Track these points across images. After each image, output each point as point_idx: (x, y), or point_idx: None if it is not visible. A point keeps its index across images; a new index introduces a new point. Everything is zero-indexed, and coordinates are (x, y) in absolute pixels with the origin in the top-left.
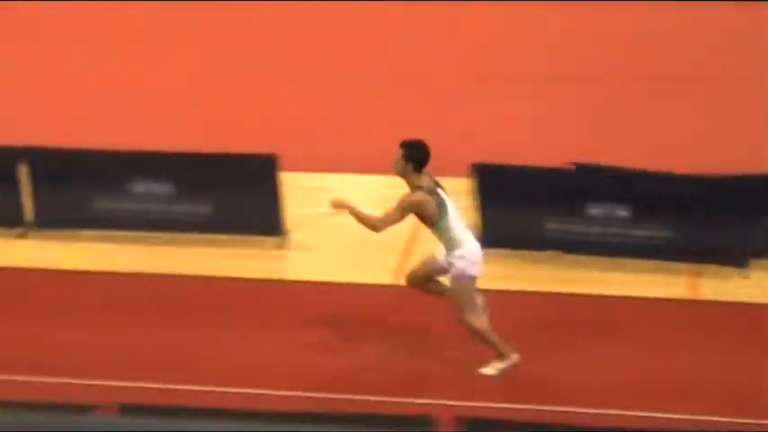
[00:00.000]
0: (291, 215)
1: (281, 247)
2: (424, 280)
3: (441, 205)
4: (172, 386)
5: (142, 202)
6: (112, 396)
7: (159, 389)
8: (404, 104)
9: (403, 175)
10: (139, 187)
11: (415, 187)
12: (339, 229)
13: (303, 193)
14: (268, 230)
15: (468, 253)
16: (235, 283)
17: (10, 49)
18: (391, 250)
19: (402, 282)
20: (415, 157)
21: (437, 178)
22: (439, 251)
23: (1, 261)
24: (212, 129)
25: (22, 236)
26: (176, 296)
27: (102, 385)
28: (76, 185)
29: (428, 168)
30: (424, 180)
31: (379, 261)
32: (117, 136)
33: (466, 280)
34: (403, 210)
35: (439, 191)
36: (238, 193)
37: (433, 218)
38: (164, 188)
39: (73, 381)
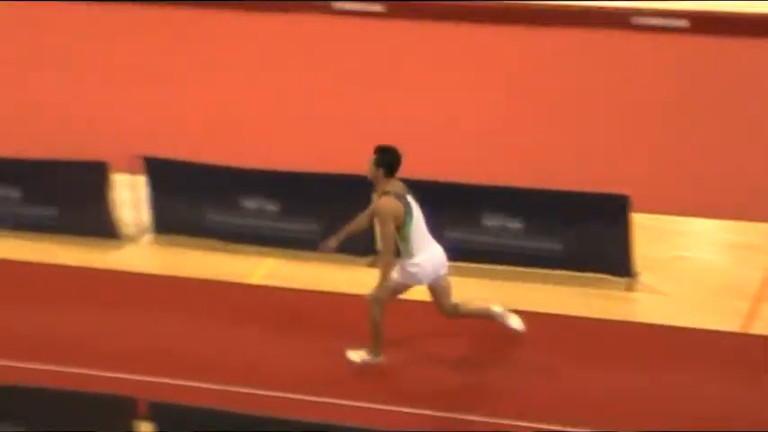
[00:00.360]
0: (642, 256)
1: (629, 288)
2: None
3: (407, 212)
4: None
5: (494, 236)
6: None
7: None
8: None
9: (374, 179)
10: (492, 221)
11: (382, 192)
12: (688, 272)
13: (654, 235)
14: (617, 271)
15: (424, 262)
16: (579, 321)
17: (141, 58)
18: (743, 296)
19: (752, 330)
20: (385, 162)
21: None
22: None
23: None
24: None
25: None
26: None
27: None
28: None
29: None
30: (394, 185)
31: (729, 307)
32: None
33: (407, 278)
34: (388, 224)
35: (407, 197)
36: (589, 232)
37: (398, 224)
38: (515, 224)
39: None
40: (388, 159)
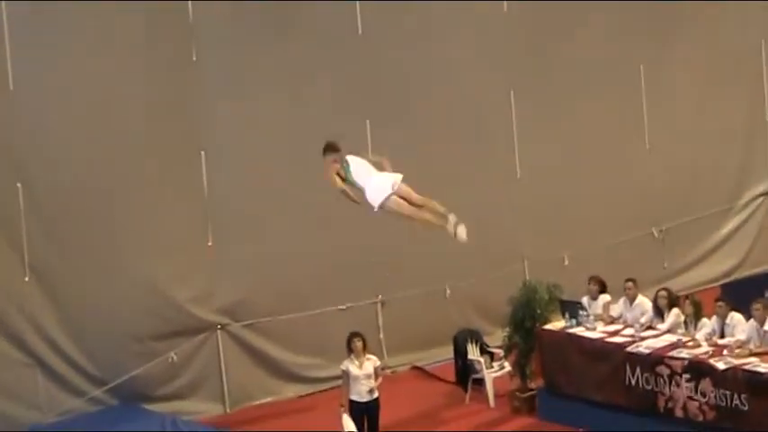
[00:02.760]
0: None
1: None
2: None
3: (344, 165)
4: None
5: None
6: None
7: None
8: None
9: (328, 165)
10: None
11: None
12: None
13: None
14: None
15: (372, 191)
16: None
17: None
18: None
19: None
20: (325, 150)
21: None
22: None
23: None
24: None
25: None
26: None
27: None
28: None
29: None
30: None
31: None
32: None
33: (383, 203)
34: (333, 180)
35: (347, 156)
36: None
37: (342, 176)
38: None
39: None
40: (325, 147)
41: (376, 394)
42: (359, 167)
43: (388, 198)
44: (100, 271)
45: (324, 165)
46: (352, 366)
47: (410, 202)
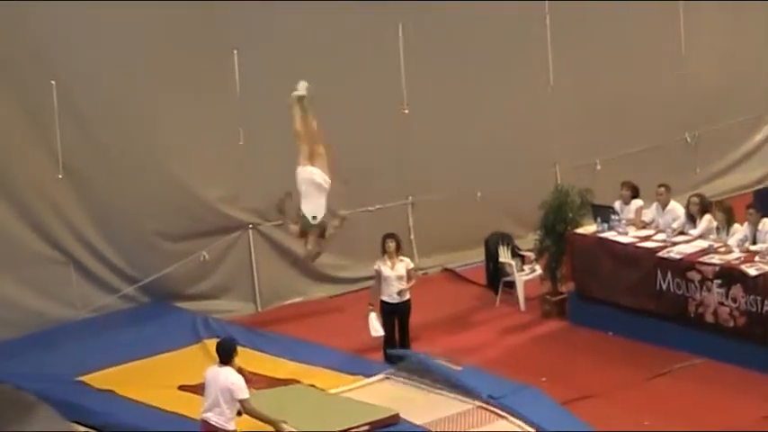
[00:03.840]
0: None
1: None
2: None
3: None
4: None
5: None
6: None
7: None
8: None
9: None
10: None
11: None
12: None
13: None
14: None
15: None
16: None
17: None
18: None
19: None
20: None
21: None
22: None
23: None
24: None
25: None
26: None
27: None
28: None
29: None
30: None
31: None
32: None
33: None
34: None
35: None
36: None
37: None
38: None
39: None
40: None
41: (406, 296)
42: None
43: None
44: (132, 170)
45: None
46: (384, 267)
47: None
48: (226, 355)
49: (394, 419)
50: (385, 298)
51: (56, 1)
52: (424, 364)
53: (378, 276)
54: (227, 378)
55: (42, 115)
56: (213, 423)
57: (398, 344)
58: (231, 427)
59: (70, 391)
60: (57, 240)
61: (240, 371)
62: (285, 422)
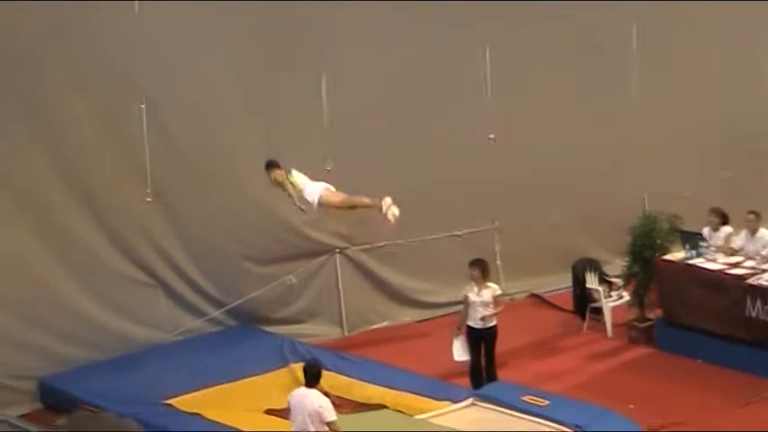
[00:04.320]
0: None
1: None
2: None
3: (288, 171)
4: None
5: None
6: None
7: None
8: None
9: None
10: None
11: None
12: None
13: None
14: None
15: (309, 189)
16: None
17: None
18: None
19: None
20: (268, 166)
21: None
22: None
23: None
24: None
25: None
26: None
27: None
28: None
29: None
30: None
31: None
32: None
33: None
34: (283, 182)
35: (291, 169)
36: None
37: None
38: None
39: None
40: (266, 164)
41: (491, 323)
42: (299, 176)
43: (321, 194)
44: (220, 193)
45: (272, 177)
46: (470, 292)
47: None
48: (312, 378)
49: None
50: (470, 323)
51: (146, 28)
52: (508, 402)
53: (465, 301)
54: (314, 401)
55: (131, 138)
56: None
57: (484, 370)
58: None
59: (157, 413)
60: (145, 263)
61: (326, 394)
62: None
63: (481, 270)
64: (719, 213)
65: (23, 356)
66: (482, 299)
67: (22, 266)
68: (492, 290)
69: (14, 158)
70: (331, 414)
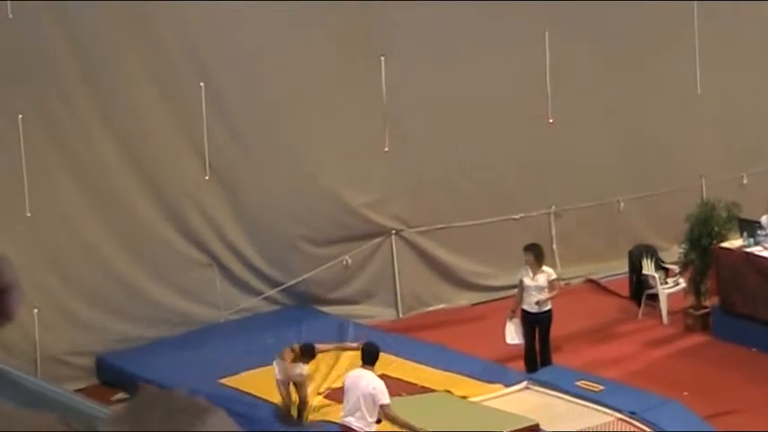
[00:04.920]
0: None
1: None
2: None
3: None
4: None
5: None
6: None
7: None
8: None
9: None
10: None
11: None
12: None
13: None
14: None
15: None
16: None
17: None
18: None
19: None
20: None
21: None
22: None
23: None
24: None
25: None
26: None
27: None
28: None
29: None
30: None
31: None
32: None
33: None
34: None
35: None
36: None
37: None
38: None
39: None
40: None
41: (546, 307)
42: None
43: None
44: (278, 173)
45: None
46: (525, 276)
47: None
48: (369, 358)
49: (534, 430)
50: (525, 307)
51: (208, 1)
52: (563, 387)
53: (520, 285)
54: (368, 383)
55: (191, 117)
56: (354, 428)
57: (539, 354)
58: (373, 428)
59: (214, 393)
60: (202, 242)
61: (381, 376)
62: (425, 430)
63: (535, 255)
64: None
65: (82, 334)
66: (537, 283)
67: (83, 245)
68: (547, 274)
69: (79, 137)
70: (385, 397)
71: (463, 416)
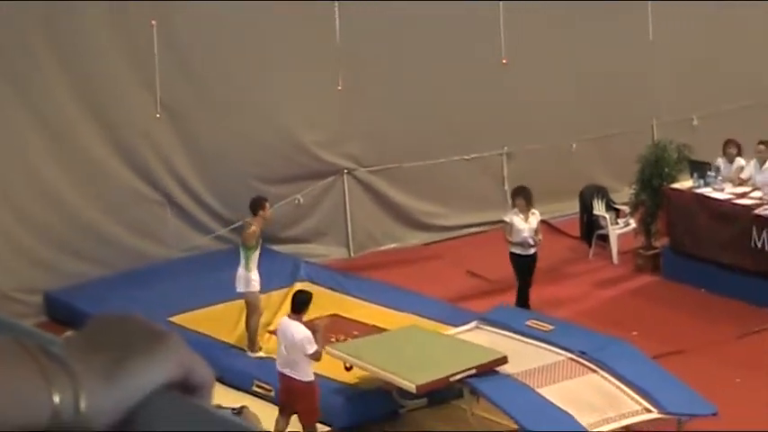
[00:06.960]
0: None
1: None
2: None
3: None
4: None
5: None
6: None
7: None
8: None
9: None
10: None
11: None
12: None
13: None
14: None
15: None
16: None
17: None
18: None
19: None
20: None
21: None
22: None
23: None
24: None
25: None
26: None
27: None
28: None
29: None
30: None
31: None
32: None
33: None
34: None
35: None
36: None
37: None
38: None
39: None
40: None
41: (535, 248)
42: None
43: None
44: (230, 111)
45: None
46: (517, 219)
47: None
48: (297, 306)
49: (502, 362)
50: (517, 250)
51: None
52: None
53: (507, 227)
54: (294, 333)
55: (142, 54)
56: (291, 376)
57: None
58: (309, 377)
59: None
60: (154, 180)
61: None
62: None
63: (525, 199)
64: (736, 145)
65: (32, 271)
66: (531, 225)
67: (35, 182)
68: (537, 216)
69: (32, 76)
70: (311, 346)
71: (434, 349)
